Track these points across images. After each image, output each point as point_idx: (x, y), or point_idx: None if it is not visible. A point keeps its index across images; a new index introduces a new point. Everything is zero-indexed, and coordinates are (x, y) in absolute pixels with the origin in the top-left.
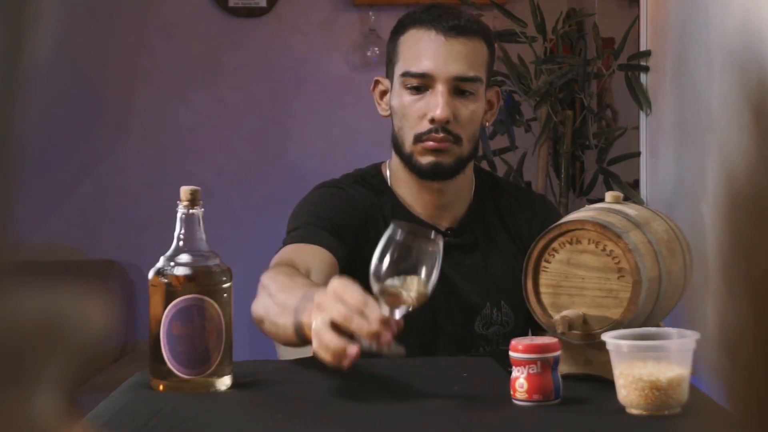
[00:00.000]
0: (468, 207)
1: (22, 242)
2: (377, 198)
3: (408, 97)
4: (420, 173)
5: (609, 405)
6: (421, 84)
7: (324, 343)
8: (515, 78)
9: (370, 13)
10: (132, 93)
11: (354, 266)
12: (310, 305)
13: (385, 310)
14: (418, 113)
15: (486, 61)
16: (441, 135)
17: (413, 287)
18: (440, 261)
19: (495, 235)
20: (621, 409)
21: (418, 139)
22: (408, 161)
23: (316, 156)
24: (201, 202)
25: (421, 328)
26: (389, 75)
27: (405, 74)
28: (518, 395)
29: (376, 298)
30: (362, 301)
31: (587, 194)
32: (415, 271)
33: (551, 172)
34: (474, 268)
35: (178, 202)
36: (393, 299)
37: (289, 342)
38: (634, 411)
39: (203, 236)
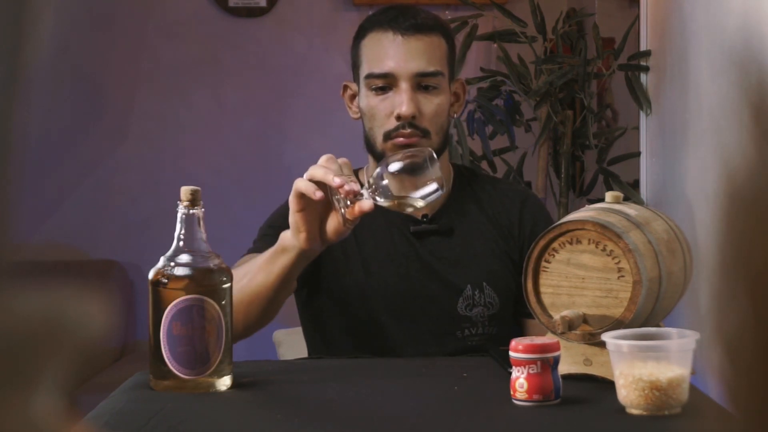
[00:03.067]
0: (446, 198)
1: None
2: None
3: (374, 98)
4: None
5: (609, 405)
6: (385, 84)
7: (297, 187)
8: (515, 78)
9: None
10: (132, 93)
11: (316, 262)
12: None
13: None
14: (384, 112)
15: (446, 54)
16: (409, 131)
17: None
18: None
19: (474, 221)
20: (621, 409)
21: (388, 136)
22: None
23: (315, 156)
24: (201, 202)
25: (403, 311)
26: (356, 79)
27: (369, 76)
28: (518, 395)
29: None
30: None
31: (587, 194)
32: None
33: (551, 172)
34: (453, 252)
35: (178, 202)
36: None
37: (273, 286)
38: (634, 411)
39: (203, 236)
